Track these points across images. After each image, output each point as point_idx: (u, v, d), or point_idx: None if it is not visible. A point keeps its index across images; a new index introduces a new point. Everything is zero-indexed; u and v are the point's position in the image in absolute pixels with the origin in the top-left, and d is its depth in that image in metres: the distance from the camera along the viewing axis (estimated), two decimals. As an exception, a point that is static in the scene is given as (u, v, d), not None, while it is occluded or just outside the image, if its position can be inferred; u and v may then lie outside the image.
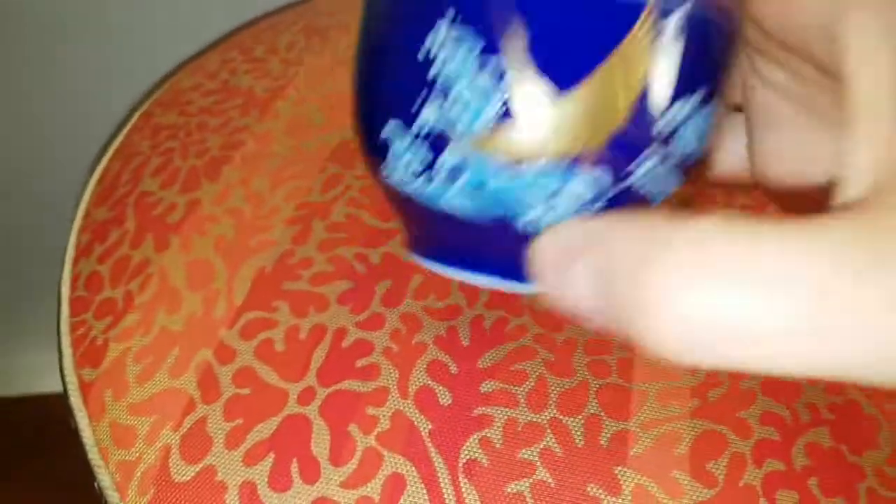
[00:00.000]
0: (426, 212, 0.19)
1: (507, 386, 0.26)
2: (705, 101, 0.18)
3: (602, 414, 0.25)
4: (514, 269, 0.19)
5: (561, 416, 0.25)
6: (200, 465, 0.25)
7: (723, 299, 0.13)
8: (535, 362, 0.27)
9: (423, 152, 0.18)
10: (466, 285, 0.30)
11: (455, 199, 0.18)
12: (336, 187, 0.34)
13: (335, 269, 0.30)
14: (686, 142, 0.18)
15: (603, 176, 0.17)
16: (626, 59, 0.16)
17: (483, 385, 0.26)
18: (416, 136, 0.18)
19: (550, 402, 0.26)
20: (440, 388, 0.26)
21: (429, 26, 0.17)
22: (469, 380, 0.26)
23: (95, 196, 0.36)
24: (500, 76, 0.16)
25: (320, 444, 0.25)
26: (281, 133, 0.37)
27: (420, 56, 0.17)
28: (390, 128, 0.18)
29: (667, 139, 0.18)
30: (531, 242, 0.17)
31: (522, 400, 0.26)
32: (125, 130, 0.40)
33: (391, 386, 0.26)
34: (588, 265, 0.16)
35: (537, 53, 0.16)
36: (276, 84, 0.40)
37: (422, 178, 0.18)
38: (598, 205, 0.18)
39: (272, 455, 0.25)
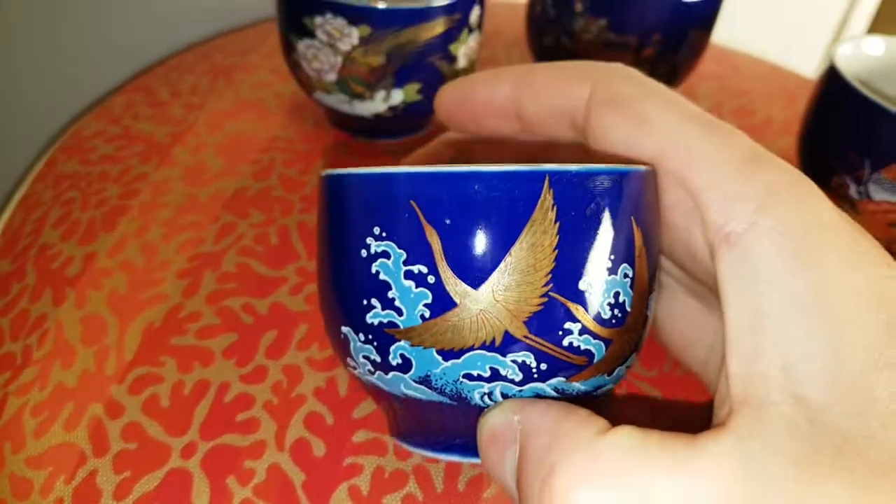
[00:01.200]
0: (393, 398, 0.22)
1: (377, 435, 0.28)
2: (617, 265, 0.20)
3: (462, 460, 0.28)
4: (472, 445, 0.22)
5: (425, 464, 0.27)
6: (90, 518, 0.27)
7: None
8: (406, 409, 0.29)
9: (375, 349, 0.21)
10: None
11: (410, 388, 0.21)
12: (229, 236, 0.36)
13: (222, 322, 0.32)
14: (604, 307, 0.20)
15: (530, 356, 0.20)
16: (532, 240, 0.19)
17: (356, 435, 0.28)
18: (367, 335, 0.21)
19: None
20: (315, 439, 0.28)
21: (361, 242, 0.20)
22: (343, 430, 0.28)
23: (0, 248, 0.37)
24: (424, 280, 0.19)
25: (200, 496, 0.27)
26: (177, 181, 0.38)
27: (358, 267, 0.20)
28: (346, 329, 0.21)
29: (586, 307, 0.20)
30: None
31: (391, 448, 0.28)
32: (29, 179, 0.41)
33: (269, 439, 0.28)
34: (510, 458, 0.20)
35: (449, 258, 0.19)
36: (177, 130, 0.42)
37: (379, 371, 0.21)
38: (534, 380, 0.20)
39: (157, 507, 0.27)
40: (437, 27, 0.38)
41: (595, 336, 0.20)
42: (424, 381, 0.20)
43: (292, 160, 0.41)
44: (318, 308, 0.33)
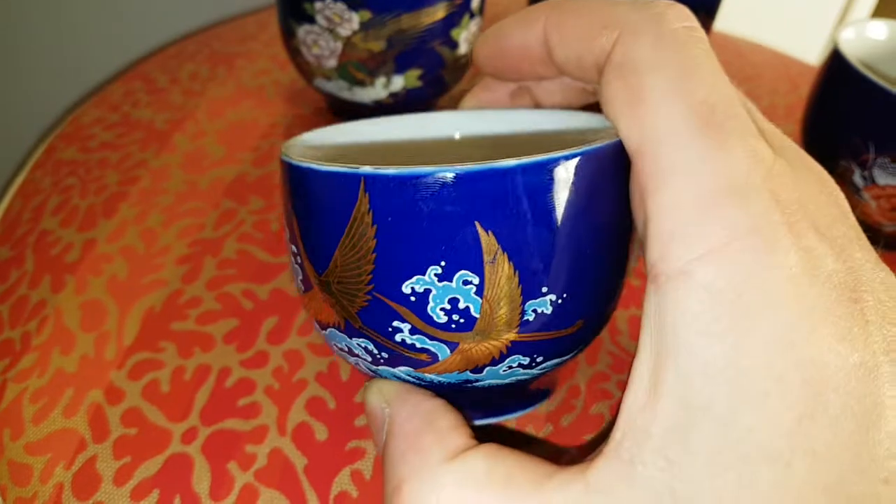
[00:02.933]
0: None
1: (379, 418, 0.28)
2: (451, 271, 0.19)
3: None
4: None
5: (427, 447, 0.27)
6: (90, 502, 0.27)
7: None
8: (408, 394, 0.29)
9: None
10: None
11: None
12: (229, 223, 0.35)
13: (222, 308, 0.31)
14: (436, 312, 0.20)
15: (371, 344, 0.21)
16: (352, 241, 0.19)
17: (358, 419, 0.28)
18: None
19: (419, 433, 0.28)
20: (317, 423, 0.28)
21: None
22: (345, 414, 0.28)
23: (-3, 235, 0.37)
24: (296, 258, 0.22)
25: (201, 480, 0.26)
26: (177, 167, 0.38)
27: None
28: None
29: (414, 309, 0.20)
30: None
31: (393, 432, 0.28)
32: (28, 166, 0.40)
33: (270, 424, 0.28)
34: (380, 440, 0.21)
35: (303, 239, 0.21)
36: (176, 116, 0.42)
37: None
38: (383, 364, 0.22)
39: (157, 492, 0.26)
40: (439, 12, 0.37)
41: (431, 337, 0.20)
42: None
43: (292, 147, 0.41)
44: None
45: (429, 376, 0.21)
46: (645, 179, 0.18)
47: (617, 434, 0.17)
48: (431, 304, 0.19)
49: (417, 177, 0.17)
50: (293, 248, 0.21)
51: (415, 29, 0.37)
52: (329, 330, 0.22)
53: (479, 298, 0.19)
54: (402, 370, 0.21)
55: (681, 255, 0.16)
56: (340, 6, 0.36)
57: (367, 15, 0.36)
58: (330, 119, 0.44)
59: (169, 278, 0.33)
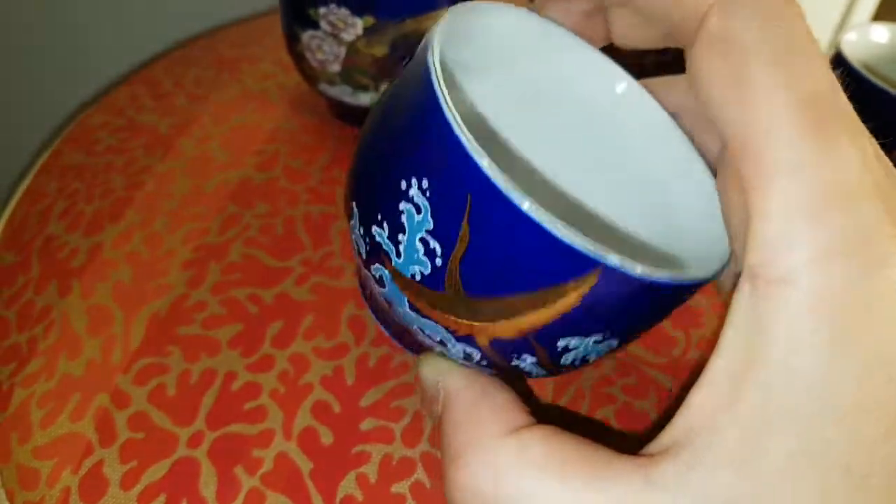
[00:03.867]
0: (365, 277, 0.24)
1: (385, 423, 0.28)
2: (601, 341, 0.20)
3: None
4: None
5: (432, 450, 0.27)
6: (98, 507, 0.27)
7: None
8: (413, 398, 0.29)
9: (366, 250, 0.21)
10: (356, 324, 0.32)
11: (378, 294, 0.23)
12: (234, 227, 0.36)
13: (228, 312, 0.32)
14: (569, 361, 0.20)
15: (477, 354, 0.21)
16: (543, 301, 0.18)
17: (363, 423, 0.28)
18: (367, 236, 0.21)
19: (424, 436, 0.28)
20: (323, 428, 0.28)
21: (405, 177, 0.19)
22: (350, 419, 0.28)
23: (3, 240, 0.37)
24: (433, 256, 0.19)
25: (208, 485, 0.27)
26: (182, 172, 0.38)
27: (391, 188, 0.19)
28: (357, 209, 0.22)
29: (550, 357, 0.20)
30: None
31: (398, 436, 0.28)
32: (33, 171, 0.41)
33: (276, 428, 0.28)
34: (435, 411, 0.21)
35: (465, 261, 0.18)
36: (181, 121, 0.42)
37: (360, 261, 0.22)
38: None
39: (164, 496, 0.27)
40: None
41: (545, 369, 0.21)
42: (389, 302, 0.22)
43: (297, 152, 0.41)
44: (323, 299, 0.33)
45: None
46: (748, 176, 0.17)
47: (682, 432, 0.17)
48: (571, 355, 0.20)
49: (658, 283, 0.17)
50: (433, 246, 0.19)
51: (418, 34, 0.37)
52: (426, 321, 0.21)
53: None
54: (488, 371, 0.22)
55: (785, 260, 0.16)
56: (344, 11, 0.36)
57: (370, 20, 0.36)
58: (334, 124, 0.44)
59: (174, 283, 0.33)
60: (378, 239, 0.20)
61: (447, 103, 0.17)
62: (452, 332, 0.20)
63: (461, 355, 0.21)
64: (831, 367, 0.15)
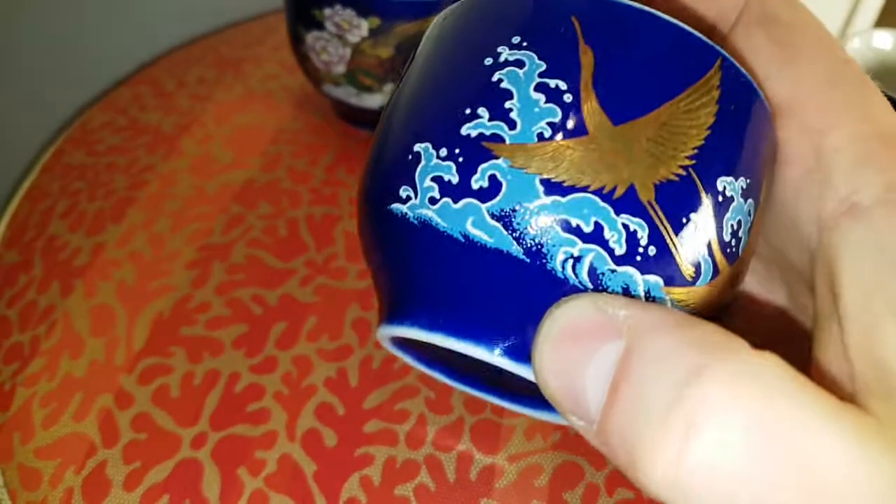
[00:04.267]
0: (435, 248, 0.17)
1: (389, 425, 0.28)
2: (747, 193, 0.18)
3: (473, 449, 0.27)
4: (520, 341, 0.17)
5: (436, 452, 0.27)
6: (100, 508, 0.27)
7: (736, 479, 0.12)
8: (417, 400, 0.29)
9: (457, 168, 0.17)
10: (359, 326, 0.31)
11: (479, 225, 0.17)
12: (237, 228, 0.36)
13: (232, 313, 0.32)
14: (726, 225, 0.18)
15: (644, 228, 0.16)
16: (690, 105, 0.17)
17: (367, 425, 0.28)
18: (455, 149, 0.17)
19: (428, 439, 0.28)
20: (326, 429, 0.28)
21: (490, 50, 0.17)
22: (354, 421, 0.28)
23: (6, 239, 0.37)
24: (558, 97, 0.16)
25: (211, 486, 0.26)
26: (185, 172, 0.38)
27: (473, 73, 0.17)
28: (422, 145, 0.17)
29: (714, 212, 0.17)
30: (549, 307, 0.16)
31: (402, 438, 0.28)
32: (36, 170, 0.41)
33: (280, 429, 0.28)
34: (604, 359, 0.14)
35: (598, 81, 0.16)
36: (184, 121, 0.42)
37: (447, 199, 0.17)
38: (634, 264, 0.16)
39: (167, 497, 0.26)
40: (447, 18, 0.37)
41: (710, 253, 0.17)
42: (505, 216, 0.16)
43: (300, 152, 0.41)
44: (327, 300, 0.33)
45: (667, 299, 0.17)
46: (813, 117, 0.18)
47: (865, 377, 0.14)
48: (728, 214, 0.17)
49: (758, 93, 0.18)
50: (556, 85, 0.16)
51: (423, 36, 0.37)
52: (573, 197, 0.16)
53: (748, 235, 0.18)
54: (647, 280, 0.17)
55: (876, 180, 0.16)
56: (349, 13, 0.36)
57: (376, 22, 0.36)
58: (337, 125, 0.44)
59: (177, 283, 0.33)
60: (476, 133, 0.17)
61: None
62: (609, 197, 0.16)
63: (622, 246, 0.16)
64: None
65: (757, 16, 0.19)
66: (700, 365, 0.13)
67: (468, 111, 0.17)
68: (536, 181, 0.16)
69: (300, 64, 0.41)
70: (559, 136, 0.16)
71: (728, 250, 0.17)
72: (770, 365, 0.13)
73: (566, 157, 0.16)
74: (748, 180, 0.17)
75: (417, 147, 0.17)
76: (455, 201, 0.17)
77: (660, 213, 0.16)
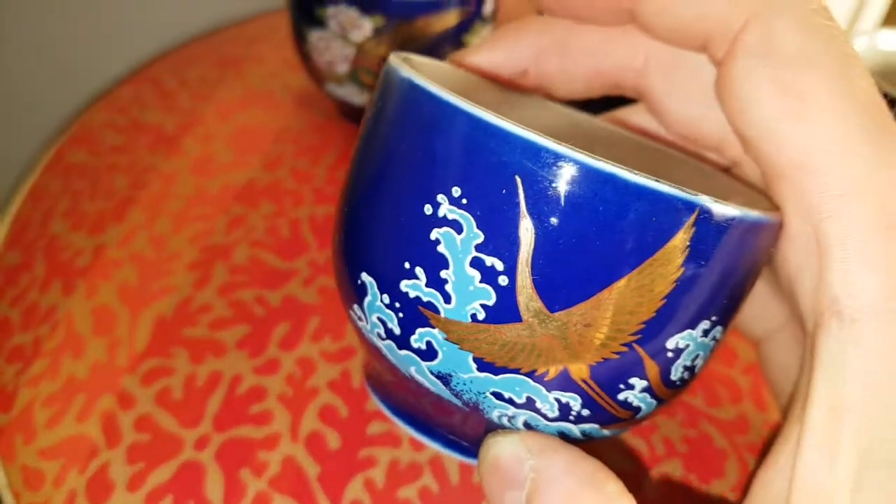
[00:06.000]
0: (393, 369, 0.18)
1: (392, 427, 0.28)
2: (714, 325, 0.17)
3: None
4: (464, 443, 0.20)
5: (440, 456, 0.27)
6: (103, 509, 0.27)
7: None
8: (420, 402, 0.29)
9: (398, 322, 0.17)
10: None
11: (422, 375, 0.17)
12: (239, 228, 0.35)
13: (234, 314, 0.31)
14: (676, 370, 0.17)
15: (577, 400, 0.17)
16: (642, 281, 0.15)
17: (370, 427, 0.28)
18: (395, 303, 0.17)
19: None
20: (330, 431, 0.28)
21: (429, 196, 0.16)
22: (357, 422, 0.28)
23: (7, 240, 0.37)
24: (493, 278, 0.15)
25: (214, 487, 0.26)
26: (186, 172, 0.38)
27: (413, 223, 0.16)
28: (368, 279, 0.17)
29: (661, 368, 0.17)
30: (486, 438, 0.17)
31: (405, 440, 0.28)
32: (37, 170, 0.40)
33: (283, 431, 0.28)
34: (511, 500, 0.16)
35: (538, 262, 0.15)
36: (185, 120, 0.42)
37: (392, 343, 0.17)
38: (569, 421, 0.17)
39: (170, 498, 0.26)
40: (451, 18, 0.37)
41: (654, 396, 0.17)
42: (443, 378, 0.17)
43: (302, 152, 0.41)
44: (330, 301, 0.33)
45: (603, 432, 0.18)
46: (817, 200, 0.16)
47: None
48: (681, 360, 0.17)
49: (751, 222, 0.15)
50: (492, 264, 0.15)
51: (427, 35, 0.37)
52: (505, 377, 0.16)
53: (709, 357, 0.18)
54: (583, 428, 0.18)
55: (874, 291, 0.15)
56: (353, 12, 0.36)
57: (379, 20, 0.36)
58: (340, 124, 0.43)
59: (180, 284, 0.33)
60: (414, 294, 0.16)
61: (453, 96, 0.15)
62: (542, 379, 0.16)
63: (554, 412, 0.17)
64: None
65: (758, 47, 0.16)
66: None
67: (407, 265, 0.16)
68: (469, 358, 0.16)
69: (303, 63, 0.41)
70: (493, 321, 0.16)
71: (679, 383, 0.17)
72: None
73: (498, 341, 0.16)
74: (715, 317, 0.17)
75: (365, 278, 0.18)
76: (399, 348, 0.17)
77: (595, 388, 0.16)
